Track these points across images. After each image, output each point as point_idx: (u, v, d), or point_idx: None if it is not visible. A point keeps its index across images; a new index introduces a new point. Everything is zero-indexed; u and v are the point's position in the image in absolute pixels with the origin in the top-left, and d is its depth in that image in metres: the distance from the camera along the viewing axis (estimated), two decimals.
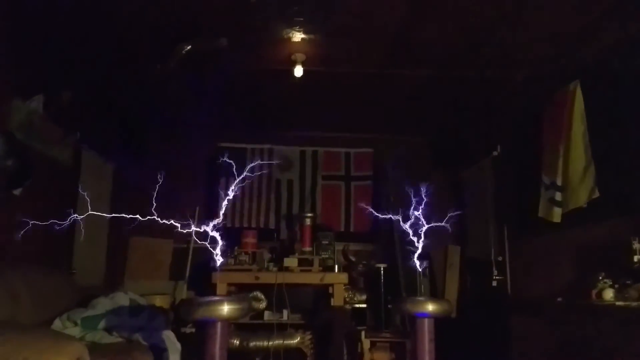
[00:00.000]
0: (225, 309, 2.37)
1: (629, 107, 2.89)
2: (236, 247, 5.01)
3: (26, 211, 3.43)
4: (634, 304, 2.24)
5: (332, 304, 4.87)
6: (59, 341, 2.06)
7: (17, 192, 3.33)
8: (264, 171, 5.82)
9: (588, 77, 3.26)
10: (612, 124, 3.03)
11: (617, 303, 2.32)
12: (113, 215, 4.96)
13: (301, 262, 4.97)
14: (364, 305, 5.21)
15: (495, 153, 4.62)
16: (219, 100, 4.97)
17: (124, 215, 5.25)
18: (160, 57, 3.75)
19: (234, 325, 4.92)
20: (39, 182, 3.60)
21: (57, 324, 2.95)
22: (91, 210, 4.62)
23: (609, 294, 2.39)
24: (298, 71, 3.85)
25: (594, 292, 2.48)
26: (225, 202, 5.91)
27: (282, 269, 4.88)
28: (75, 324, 2.96)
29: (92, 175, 4.57)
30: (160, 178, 5.51)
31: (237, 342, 4.66)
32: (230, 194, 5.63)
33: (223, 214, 5.75)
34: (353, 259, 5.68)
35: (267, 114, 5.46)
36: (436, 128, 5.75)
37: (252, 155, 5.84)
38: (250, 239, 5.18)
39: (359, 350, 4.36)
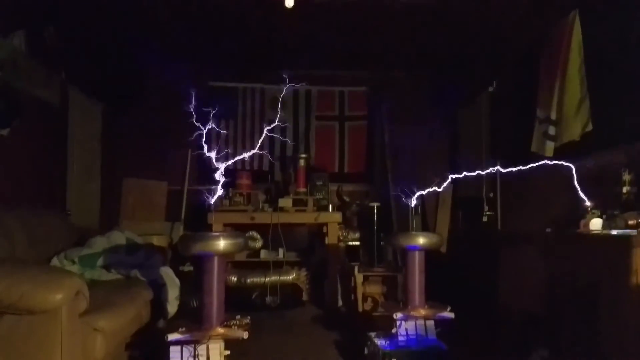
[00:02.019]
0: (222, 243, 2.42)
1: (625, 37, 2.82)
2: (230, 189, 5.04)
3: (16, 152, 3.41)
4: (621, 232, 2.29)
5: (326, 242, 4.99)
6: (57, 275, 2.10)
7: (4, 132, 3.28)
8: (255, 111, 5.76)
9: (586, 6, 3.16)
10: (608, 55, 2.97)
11: (605, 232, 2.37)
12: (105, 154, 5.02)
13: (296, 203, 5.04)
14: (358, 243, 5.33)
15: (490, 89, 4.56)
16: (207, 34, 4.81)
17: (116, 155, 5.26)
18: None
19: (231, 263, 5.05)
20: (27, 123, 3.54)
21: (54, 263, 2.99)
22: (82, 151, 4.62)
23: (596, 224, 2.44)
24: (289, 2, 3.67)
25: (582, 222, 2.53)
26: (217, 144, 5.90)
27: (277, 209, 4.95)
28: (73, 262, 3.01)
29: (81, 116, 4.50)
30: (151, 121, 5.48)
31: (235, 279, 4.80)
32: (223, 136, 5.62)
33: (216, 156, 5.73)
34: (347, 199, 5.74)
35: (258, 51, 5.30)
36: (433, 64, 5.62)
37: (243, 95, 5.75)
38: (244, 181, 5.21)
39: (352, 284, 4.49)
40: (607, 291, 2.23)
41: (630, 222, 2.31)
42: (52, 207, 3.75)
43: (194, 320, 2.47)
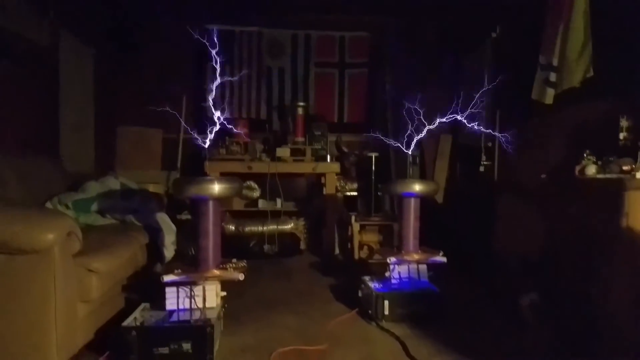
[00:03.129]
0: (217, 187, 2.42)
1: None
2: (227, 137, 5.00)
3: (4, 95, 3.34)
4: (614, 176, 2.28)
5: (324, 192, 5.00)
6: (49, 216, 2.10)
7: None
8: (253, 58, 5.62)
9: None
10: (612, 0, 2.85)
11: (598, 176, 2.35)
12: (98, 101, 4.94)
13: (294, 152, 5.00)
14: (355, 194, 5.35)
15: (494, 35, 4.42)
16: None
17: (109, 101, 5.16)
18: None
19: (229, 212, 5.08)
20: (16, 64, 3.45)
21: (48, 207, 2.99)
22: (75, 97, 4.54)
23: (591, 170, 2.42)
24: None
25: (577, 168, 2.51)
26: (214, 91, 5.77)
27: (275, 159, 4.93)
28: (67, 206, 3.01)
29: (73, 60, 4.39)
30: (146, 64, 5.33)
31: (233, 228, 4.85)
32: (219, 81, 5.48)
33: (212, 104, 5.64)
34: (346, 149, 5.71)
35: None
36: (435, 9, 5.42)
37: (240, 39, 5.59)
38: (241, 129, 5.15)
39: (350, 233, 4.55)
40: (599, 234, 2.23)
41: (625, 168, 2.30)
42: (44, 153, 3.71)
43: (190, 264, 2.52)
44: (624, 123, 2.51)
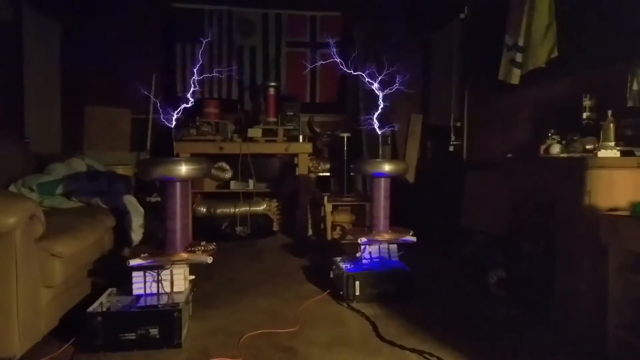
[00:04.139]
0: (184, 168, 2.37)
1: None
2: (197, 118, 4.91)
3: None
4: (577, 155, 2.33)
5: (297, 173, 4.98)
6: (9, 199, 2.03)
7: None
8: (223, 37, 5.50)
9: None
10: None
11: (562, 155, 2.41)
12: (65, 80, 4.77)
13: (266, 133, 4.96)
14: (328, 174, 5.35)
15: (462, 15, 4.43)
16: None
17: (76, 80, 4.97)
18: None
19: (200, 194, 5.02)
20: None
21: (11, 190, 2.89)
22: (40, 75, 4.36)
23: (555, 149, 2.47)
24: None
25: (542, 147, 2.56)
26: (183, 71, 5.64)
27: (247, 139, 4.87)
28: (31, 189, 2.92)
29: (38, 37, 4.21)
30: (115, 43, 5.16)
31: (204, 210, 4.81)
32: (189, 62, 5.38)
33: (182, 83, 5.52)
34: (318, 130, 5.69)
35: None
36: None
37: (209, 18, 5.46)
38: (212, 109, 5.07)
39: (322, 214, 4.56)
40: (562, 211, 2.29)
41: (588, 147, 2.35)
42: (8, 133, 3.57)
43: (158, 247, 2.48)
44: (586, 102, 2.57)
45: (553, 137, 2.54)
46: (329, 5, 5.66)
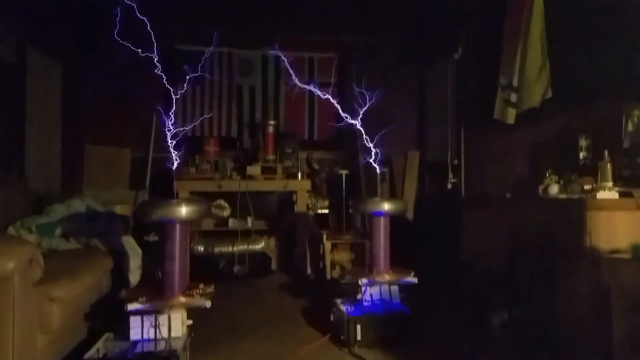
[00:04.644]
0: (184, 210, 2.38)
1: (583, 7, 2.83)
2: (197, 156, 4.94)
3: None
4: (576, 196, 2.35)
5: (295, 210, 4.97)
6: (8, 243, 2.02)
7: None
8: (223, 76, 5.61)
9: None
10: (567, 22, 2.98)
11: (561, 196, 2.42)
12: (65, 119, 4.81)
13: (264, 170, 4.98)
14: (327, 211, 5.34)
15: (456, 55, 4.54)
16: None
17: (77, 119, 5.02)
18: None
19: (198, 232, 4.99)
20: None
21: (10, 231, 2.88)
22: (42, 115, 4.41)
23: (554, 189, 2.49)
24: None
25: (540, 187, 2.58)
26: (184, 110, 5.71)
27: (246, 177, 4.89)
28: (30, 230, 2.91)
29: (40, 77, 4.27)
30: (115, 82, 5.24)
31: (202, 249, 4.76)
32: (189, 101, 5.46)
33: (182, 122, 5.59)
34: (316, 166, 5.72)
35: (224, 12, 5.09)
36: (400, 30, 5.55)
37: (210, 59, 5.57)
38: (211, 147, 5.11)
39: (321, 252, 4.53)
40: (563, 252, 2.29)
41: (586, 187, 2.37)
42: (9, 171, 3.58)
43: (156, 290, 2.44)
44: (583, 142, 2.61)
45: (551, 176, 2.56)
46: (326, 47, 5.81)
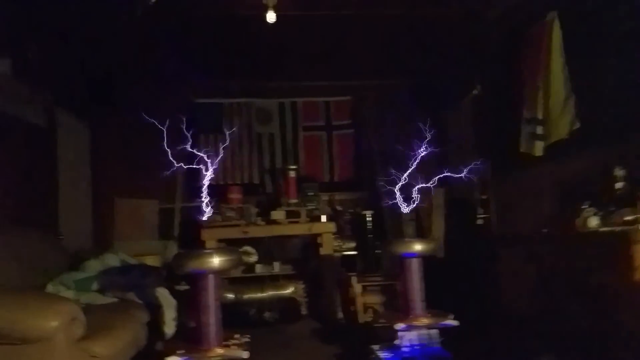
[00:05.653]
0: (216, 260, 2.39)
1: (607, 36, 2.86)
2: (222, 204, 5.00)
3: (4, 176, 3.35)
4: (618, 228, 2.30)
5: (321, 253, 4.95)
6: (52, 302, 2.05)
7: None
8: (242, 126, 5.74)
9: (565, 7, 3.21)
10: (591, 54, 3.01)
11: (602, 229, 2.37)
12: (95, 175, 4.97)
13: (288, 214, 5.00)
14: (353, 252, 5.29)
15: (475, 92, 4.59)
16: (190, 50, 4.80)
17: (105, 175, 5.18)
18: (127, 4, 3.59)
19: (227, 279, 4.98)
20: (15, 145, 3.50)
21: (49, 289, 2.92)
22: (72, 173, 4.54)
23: (593, 222, 2.44)
24: (270, 17, 3.65)
25: (577, 221, 2.53)
26: (206, 160, 5.82)
27: (270, 222, 4.91)
28: (68, 287, 2.94)
29: (69, 137, 4.44)
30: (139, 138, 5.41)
31: (232, 296, 4.74)
32: (211, 152, 5.60)
33: (205, 172, 5.69)
34: (339, 208, 5.72)
35: (241, 64, 5.27)
36: (415, 71, 5.66)
37: (229, 111, 5.73)
38: (235, 195, 5.17)
39: (351, 295, 4.45)
40: (609, 289, 2.22)
41: (627, 219, 2.32)
42: (45, 231, 3.67)
43: (192, 341, 2.43)
44: (618, 172, 2.56)
45: (587, 209, 2.52)
46: (341, 91, 5.93)
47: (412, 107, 5.83)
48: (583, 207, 2.56)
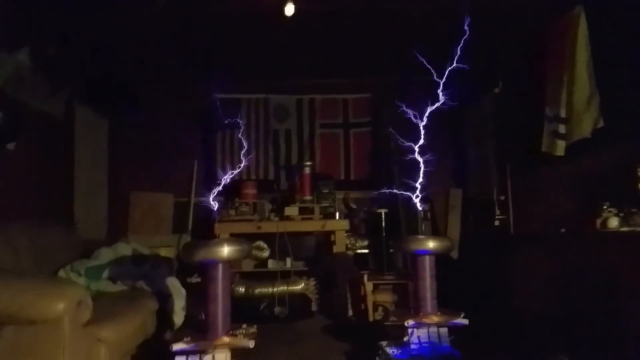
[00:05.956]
0: (226, 250, 2.38)
1: (634, 32, 2.77)
2: (236, 199, 5.01)
3: (23, 166, 3.42)
4: (638, 229, 2.22)
5: (334, 250, 4.91)
6: (59, 285, 2.07)
7: (11, 146, 3.28)
8: (260, 122, 5.75)
9: (591, 1, 3.11)
10: (616, 50, 2.91)
11: (622, 229, 2.29)
12: (111, 168, 5.05)
13: (302, 211, 4.98)
14: (366, 251, 5.25)
15: (496, 90, 4.50)
16: (209, 46, 4.82)
17: (122, 168, 5.26)
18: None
19: (239, 274, 4.98)
20: (34, 137, 3.57)
21: (61, 275, 2.96)
22: (89, 164, 4.62)
23: (613, 222, 2.36)
24: (289, 9, 3.63)
25: (598, 221, 2.45)
26: (222, 155, 5.84)
27: (284, 218, 4.90)
28: (79, 274, 2.97)
29: (87, 130, 4.52)
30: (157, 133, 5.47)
31: (243, 290, 4.73)
32: (228, 147, 5.62)
33: (221, 167, 5.71)
34: (354, 206, 5.67)
35: (260, 61, 5.27)
36: (435, 68, 5.56)
37: (247, 106, 5.73)
38: (250, 190, 5.17)
39: (362, 293, 4.42)
40: (629, 290, 2.14)
41: None
42: (60, 220, 3.74)
43: (200, 331, 2.43)
44: None
45: (609, 210, 2.44)
46: (360, 88, 5.87)
47: (432, 105, 5.75)
48: (603, 207, 2.48)
